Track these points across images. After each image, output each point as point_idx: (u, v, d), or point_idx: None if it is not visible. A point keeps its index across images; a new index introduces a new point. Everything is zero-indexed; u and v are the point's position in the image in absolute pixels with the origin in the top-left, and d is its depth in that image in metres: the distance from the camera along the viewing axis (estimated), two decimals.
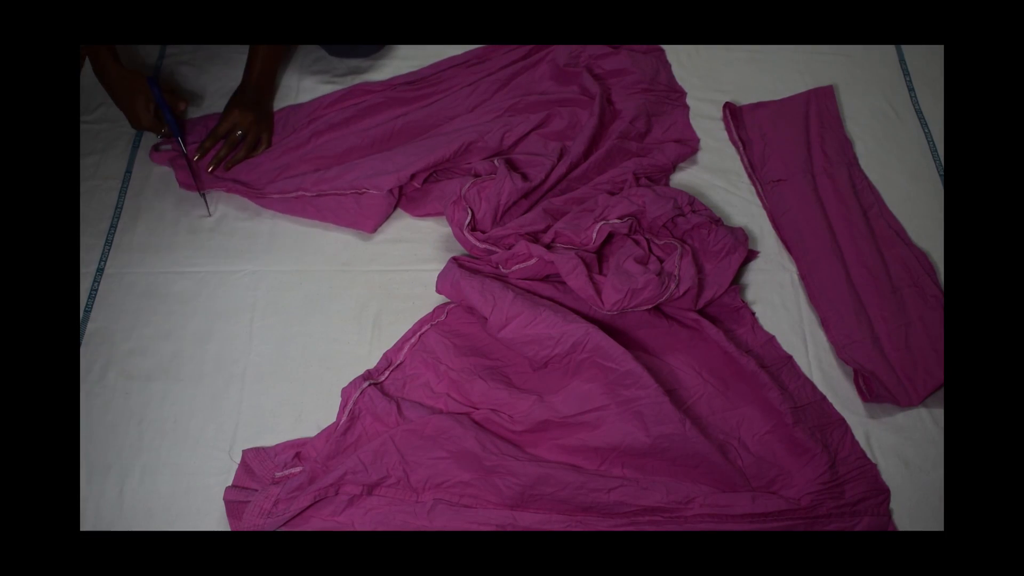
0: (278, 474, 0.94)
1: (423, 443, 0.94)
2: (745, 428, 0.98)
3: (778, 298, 1.11)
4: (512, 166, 1.16)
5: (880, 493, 0.95)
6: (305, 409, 1.01)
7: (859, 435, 0.99)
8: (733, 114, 1.26)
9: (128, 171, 1.21)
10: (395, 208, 1.17)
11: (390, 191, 1.14)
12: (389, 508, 0.92)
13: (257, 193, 1.16)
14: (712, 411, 1.00)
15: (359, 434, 0.97)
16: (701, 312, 1.06)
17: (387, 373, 1.03)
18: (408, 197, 1.18)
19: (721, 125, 1.27)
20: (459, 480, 0.93)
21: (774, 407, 0.97)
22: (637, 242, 1.08)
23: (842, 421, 1.00)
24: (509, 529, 0.91)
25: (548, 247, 1.08)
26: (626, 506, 0.92)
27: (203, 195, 1.16)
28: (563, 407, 0.97)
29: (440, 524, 0.91)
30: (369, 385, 1.00)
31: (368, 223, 1.14)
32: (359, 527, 0.91)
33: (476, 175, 1.13)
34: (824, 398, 1.02)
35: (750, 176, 1.22)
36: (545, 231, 1.09)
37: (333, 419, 0.99)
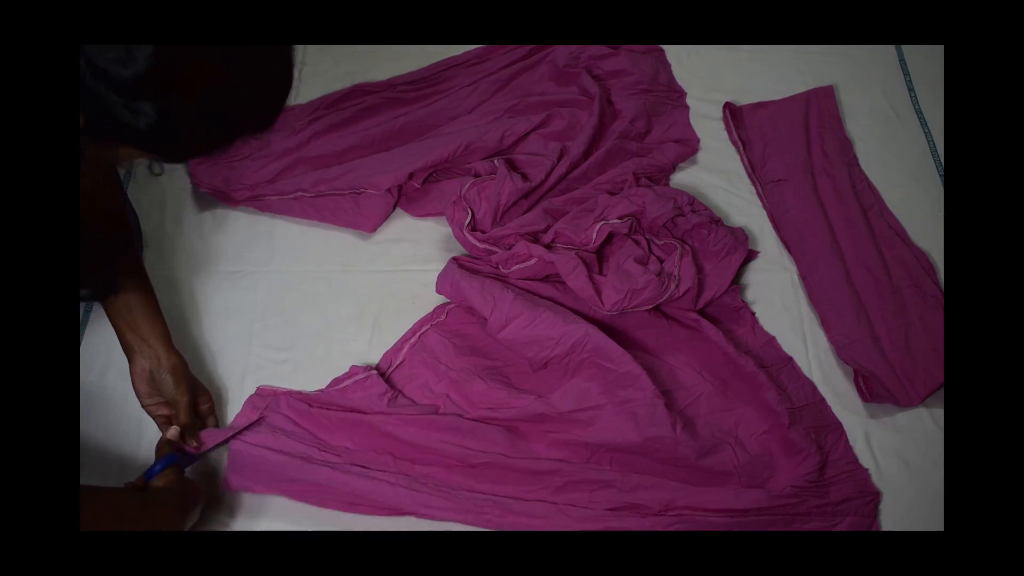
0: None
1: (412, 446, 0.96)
2: (743, 427, 0.98)
3: (778, 298, 1.10)
4: (512, 166, 1.16)
5: (867, 495, 0.95)
6: None
7: (859, 435, 0.99)
8: (733, 114, 1.26)
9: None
10: (395, 208, 1.17)
11: (388, 191, 1.14)
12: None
13: (255, 197, 1.16)
14: (711, 410, 1.00)
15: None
16: (701, 312, 1.06)
17: (387, 373, 1.03)
18: (408, 197, 1.18)
19: (721, 125, 1.27)
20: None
21: (772, 407, 0.97)
22: (637, 242, 1.08)
23: (839, 425, 1.00)
24: (488, 510, 0.91)
25: (548, 247, 1.08)
26: (609, 502, 0.93)
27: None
28: (560, 403, 0.98)
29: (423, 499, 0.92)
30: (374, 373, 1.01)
31: (367, 223, 1.14)
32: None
33: (476, 175, 1.13)
34: (823, 400, 1.02)
35: (750, 176, 1.22)
36: (545, 231, 1.09)
37: None
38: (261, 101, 0.62)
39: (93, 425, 0.99)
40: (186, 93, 0.56)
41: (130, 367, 0.93)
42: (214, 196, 1.17)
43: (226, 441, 0.94)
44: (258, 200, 1.16)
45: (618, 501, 0.92)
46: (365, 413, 0.96)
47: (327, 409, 0.97)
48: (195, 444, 0.92)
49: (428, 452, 0.94)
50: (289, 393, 0.99)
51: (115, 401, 1.01)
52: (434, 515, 0.92)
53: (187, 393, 0.92)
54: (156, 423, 0.95)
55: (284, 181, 1.17)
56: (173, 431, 0.90)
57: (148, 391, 0.93)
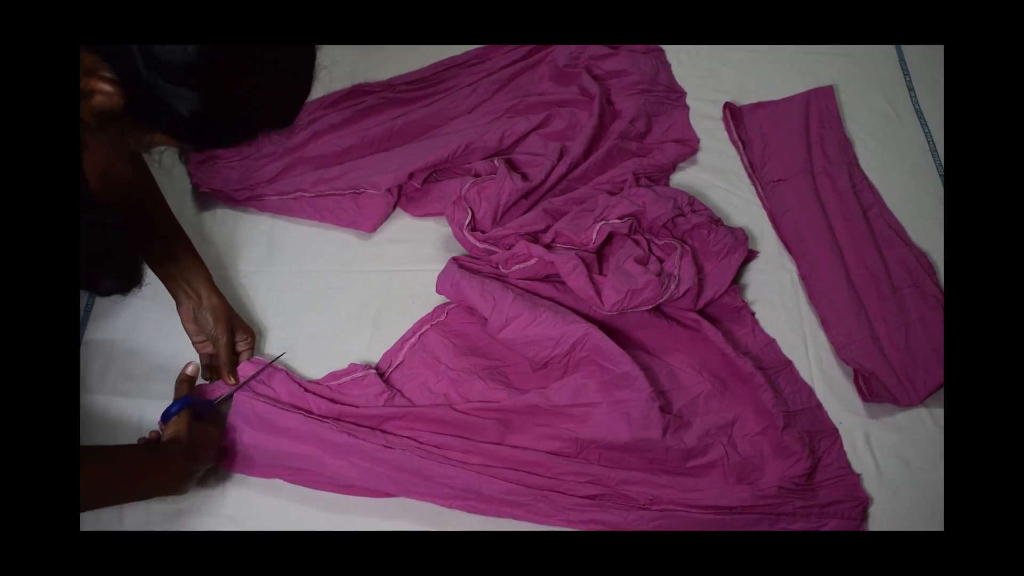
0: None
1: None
2: (737, 428, 0.98)
3: (778, 298, 1.10)
4: (512, 166, 1.16)
5: (854, 500, 0.95)
6: None
7: (859, 435, 0.99)
8: (733, 114, 1.26)
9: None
10: (395, 208, 1.17)
11: (388, 191, 1.14)
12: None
13: (255, 197, 1.16)
14: (708, 410, 1.00)
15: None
16: (701, 312, 1.06)
17: (387, 373, 1.03)
18: (408, 197, 1.18)
19: (721, 125, 1.27)
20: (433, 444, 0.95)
21: (767, 409, 0.97)
22: (637, 242, 1.08)
23: (834, 431, 1.00)
24: (472, 497, 0.92)
25: (548, 247, 1.08)
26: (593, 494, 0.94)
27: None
28: (556, 396, 0.98)
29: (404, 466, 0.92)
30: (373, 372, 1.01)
31: (367, 223, 1.14)
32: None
33: (476, 175, 1.13)
34: (819, 405, 1.02)
35: (750, 176, 1.22)
36: (545, 231, 1.09)
37: None
38: (289, 96, 0.65)
39: (93, 425, 0.99)
40: (228, 84, 0.59)
41: (178, 309, 0.99)
42: (214, 196, 1.17)
43: (245, 384, 0.97)
44: (258, 200, 1.16)
45: (603, 493, 0.93)
46: (357, 407, 0.97)
47: (319, 396, 0.98)
48: (232, 380, 0.97)
49: (417, 441, 0.95)
50: (285, 373, 0.99)
51: (115, 401, 1.01)
52: (418, 497, 0.92)
53: (226, 332, 0.98)
54: (201, 362, 1.01)
55: (284, 181, 1.17)
56: (191, 367, 0.97)
57: (196, 330, 0.99)
